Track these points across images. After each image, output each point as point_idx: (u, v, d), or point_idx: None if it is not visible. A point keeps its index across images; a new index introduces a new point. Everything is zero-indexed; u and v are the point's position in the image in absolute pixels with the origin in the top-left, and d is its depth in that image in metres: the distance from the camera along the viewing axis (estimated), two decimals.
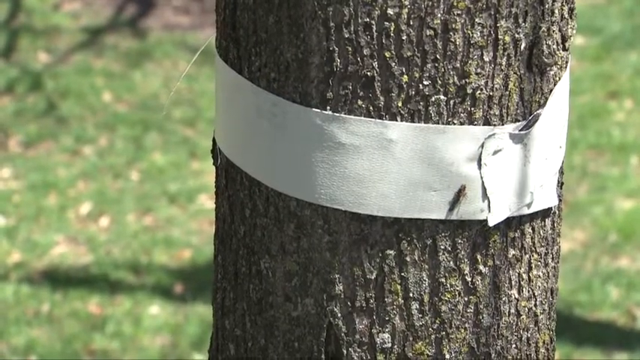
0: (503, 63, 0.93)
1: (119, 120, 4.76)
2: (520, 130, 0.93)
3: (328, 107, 0.92)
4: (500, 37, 0.92)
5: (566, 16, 0.96)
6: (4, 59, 5.27)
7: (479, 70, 0.92)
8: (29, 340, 3.57)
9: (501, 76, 0.93)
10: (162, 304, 3.68)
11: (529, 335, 0.99)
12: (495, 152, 0.93)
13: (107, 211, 4.19)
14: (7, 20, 5.59)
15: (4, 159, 4.53)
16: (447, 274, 0.95)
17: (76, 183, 4.36)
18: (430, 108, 0.92)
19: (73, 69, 5.16)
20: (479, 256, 0.95)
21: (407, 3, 0.90)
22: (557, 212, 1.00)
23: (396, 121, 0.91)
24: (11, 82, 5.10)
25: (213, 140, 1.01)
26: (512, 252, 0.96)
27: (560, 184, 0.99)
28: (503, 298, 0.97)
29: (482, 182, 0.93)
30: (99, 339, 3.58)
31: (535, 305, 0.99)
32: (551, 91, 0.95)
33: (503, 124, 0.93)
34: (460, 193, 0.93)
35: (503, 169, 0.93)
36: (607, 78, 4.89)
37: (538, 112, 0.94)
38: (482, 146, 0.92)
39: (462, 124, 0.92)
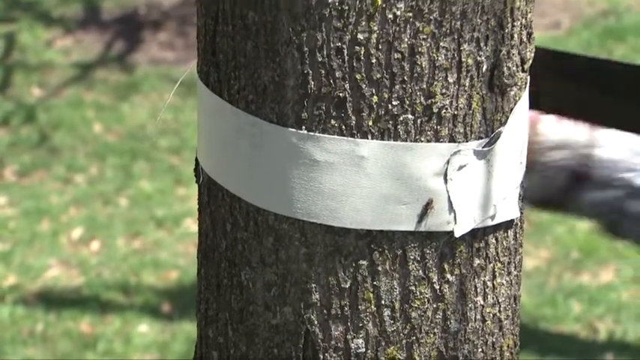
0: (467, 84, 0.93)
1: (109, 150, 4.76)
2: (483, 147, 0.94)
3: (303, 127, 0.92)
4: (463, 59, 0.92)
5: (525, 40, 0.96)
6: (1, 94, 5.26)
7: (444, 91, 0.92)
8: (24, 358, 3.55)
9: (465, 96, 0.93)
10: (150, 323, 3.67)
11: (494, 340, 0.99)
12: (460, 168, 0.93)
13: (98, 236, 4.18)
14: (2, 57, 5.59)
15: (1, 188, 4.52)
16: (416, 283, 0.95)
17: (68, 209, 4.35)
18: (399, 126, 0.92)
19: (64, 102, 5.15)
20: (446, 266, 0.95)
21: (376, 28, 0.90)
22: (519, 224, 1.00)
23: (367, 139, 0.91)
24: (6, 115, 5.09)
25: (196, 160, 1.02)
26: (477, 261, 0.96)
27: (522, 198, 1.00)
28: (470, 305, 0.97)
29: (449, 196, 0.93)
30: (91, 357, 3.57)
31: (499, 311, 0.99)
32: (511, 110, 0.96)
33: (467, 141, 0.93)
34: (428, 206, 0.93)
35: (468, 183, 0.94)
36: None
37: (500, 129, 0.95)
38: (448, 162, 0.92)
39: (428, 141, 0.92)
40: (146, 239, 4.13)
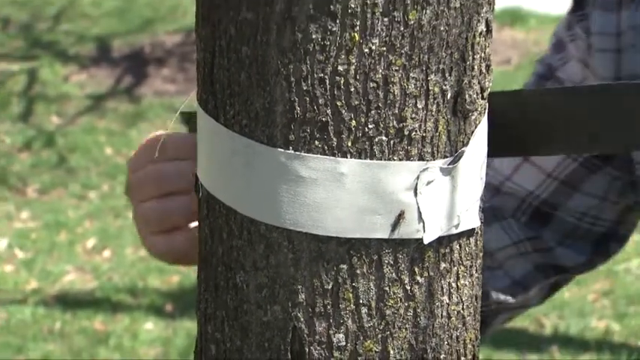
0: (434, 109, 0.92)
1: (118, 170, 4.76)
2: (448, 165, 0.93)
3: (290, 147, 0.91)
4: (430, 88, 0.92)
5: (484, 71, 0.96)
6: (23, 122, 5.26)
7: (413, 116, 0.92)
8: (44, 353, 3.54)
9: (432, 120, 0.93)
10: (155, 321, 3.66)
11: (458, 334, 0.99)
12: (428, 183, 0.92)
13: (109, 245, 4.17)
14: (25, 90, 5.58)
15: (23, 203, 4.51)
16: (390, 284, 0.94)
17: (83, 222, 4.34)
18: (374, 147, 0.91)
19: (80, 129, 5.15)
20: (416, 269, 0.94)
21: (354, 61, 0.90)
22: (479, 232, 0.99)
23: (347, 158, 0.91)
24: (29, 140, 5.09)
25: (196, 177, 1.01)
26: (443, 265, 0.95)
27: (481, 209, 0.99)
28: (437, 303, 0.96)
29: (418, 208, 0.92)
30: (103, 351, 3.56)
31: (463, 309, 0.98)
32: (472, 132, 0.95)
33: (434, 160, 0.93)
34: (400, 217, 0.92)
35: (435, 196, 0.93)
36: None
37: (462, 149, 0.94)
38: (417, 178, 0.92)
39: (400, 159, 0.92)
40: None
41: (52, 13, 6.56)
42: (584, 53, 1.34)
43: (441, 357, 0.97)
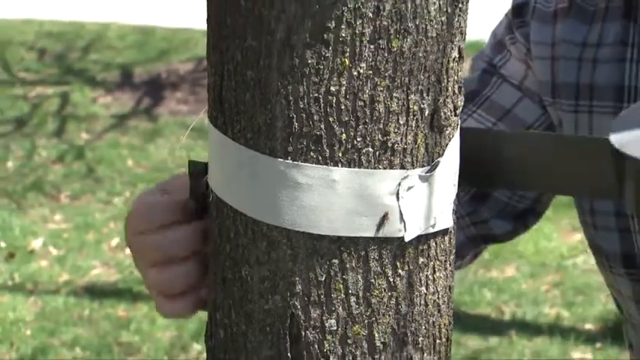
0: (413, 125, 0.91)
1: (138, 179, 4.75)
2: (426, 173, 0.92)
3: (289, 157, 0.90)
4: (410, 106, 0.91)
5: (457, 92, 0.95)
6: (57, 138, 5.25)
7: (396, 130, 0.91)
8: (74, 336, 3.52)
9: (412, 134, 0.92)
10: None
11: (434, 320, 0.97)
12: (409, 188, 0.91)
13: None
14: (58, 110, 5.58)
15: (57, 208, 4.50)
16: (375, 276, 0.93)
17: (108, 224, 4.33)
18: (362, 157, 0.90)
19: (105, 144, 5.14)
20: (398, 263, 0.93)
21: (344, 83, 0.89)
22: (452, 231, 0.98)
23: (338, 166, 0.90)
24: (61, 153, 5.08)
25: (206, 183, 1.00)
26: (421, 260, 0.94)
27: (454, 212, 0.98)
28: (416, 293, 0.95)
29: (400, 210, 0.91)
30: (125, 335, 3.55)
31: (438, 298, 0.97)
32: (447, 144, 0.94)
33: (414, 169, 0.92)
34: (384, 218, 0.91)
35: (414, 200, 0.92)
36: None
37: (438, 159, 0.93)
38: (399, 184, 0.91)
39: (384, 168, 0.91)
40: None
41: (82, 44, 6.56)
42: (524, 55, 1.32)
43: (419, 340, 0.96)
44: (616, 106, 1.27)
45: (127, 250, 4.08)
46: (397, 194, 0.91)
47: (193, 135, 5.06)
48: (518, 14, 1.30)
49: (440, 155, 0.93)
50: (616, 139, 0.94)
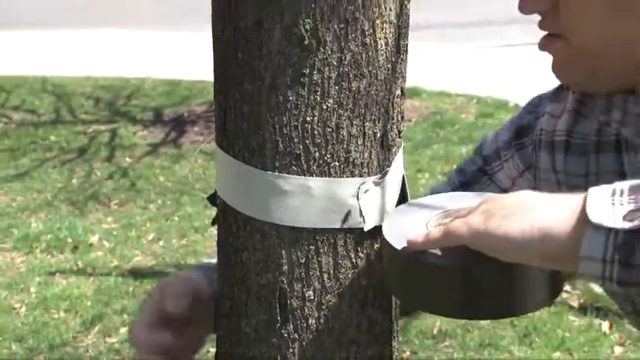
0: (368, 145, 0.89)
1: (168, 190, 4.71)
2: (378, 179, 0.90)
3: (276, 170, 0.87)
4: (366, 131, 0.88)
5: (400, 120, 0.93)
6: (108, 162, 5.20)
7: (355, 149, 0.88)
8: (122, 306, 3.48)
9: (367, 152, 0.89)
10: None
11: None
12: (366, 191, 0.89)
13: (162, 238, 4.12)
14: (109, 142, 5.53)
15: (108, 213, 4.45)
16: (342, 258, 0.90)
17: (145, 224, 4.28)
18: (331, 169, 0.88)
19: (143, 165, 5.10)
20: (359, 248, 0.90)
21: (316, 114, 0.86)
22: None
23: (313, 177, 0.87)
24: (111, 173, 5.03)
25: (215, 191, 0.97)
26: (376, 245, 0.92)
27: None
28: (372, 270, 0.92)
29: (360, 208, 0.89)
30: None
31: None
32: (393, 159, 0.92)
33: (369, 177, 0.89)
34: (348, 214, 0.89)
35: (370, 200, 0.89)
36: (415, 162, 4.88)
37: (387, 170, 0.91)
38: (358, 189, 0.88)
39: (348, 177, 0.88)
40: (189, 239, 4.09)
41: (126, 93, 6.51)
42: (514, 173, 1.08)
43: (376, 303, 0.93)
44: None
45: (160, 243, 4.02)
46: (357, 196, 0.88)
47: (207, 158, 5.04)
48: (518, 136, 1.07)
49: (388, 166, 0.91)
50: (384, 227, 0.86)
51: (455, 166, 1.25)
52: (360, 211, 0.88)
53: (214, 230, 1.03)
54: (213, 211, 0.98)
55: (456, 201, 0.88)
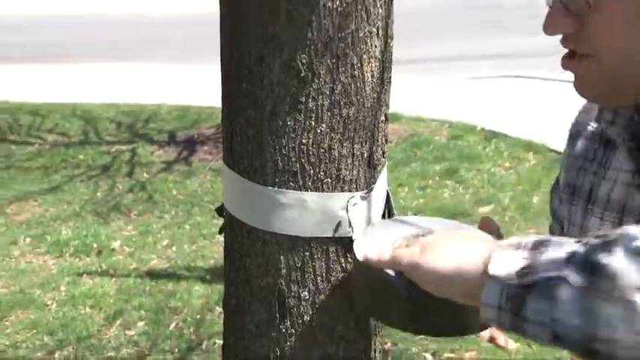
0: (357, 164, 0.88)
1: (180, 202, 4.68)
2: (365, 194, 0.89)
3: (276, 186, 0.86)
4: (355, 152, 0.88)
5: (384, 142, 0.92)
6: (129, 177, 5.18)
7: (346, 167, 0.87)
8: (140, 303, 3.44)
9: (356, 170, 0.88)
10: (201, 285, 3.57)
11: None
12: (354, 205, 0.88)
13: (175, 243, 4.09)
14: (130, 159, 5.50)
15: (128, 221, 4.41)
16: (333, 263, 0.89)
17: (160, 231, 4.25)
18: (324, 185, 0.87)
19: (159, 180, 5.07)
20: (348, 254, 0.89)
21: (311, 137, 0.85)
22: None
23: (308, 192, 0.86)
24: (131, 187, 5.00)
25: (222, 204, 0.96)
26: None
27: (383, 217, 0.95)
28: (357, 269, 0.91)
29: (349, 219, 0.88)
30: (172, 301, 3.46)
31: None
32: (378, 176, 0.91)
33: (357, 192, 0.88)
34: (338, 225, 0.88)
35: (358, 212, 0.88)
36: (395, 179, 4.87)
37: (373, 186, 0.90)
38: (348, 202, 0.87)
39: (338, 192, 0.87)
40: (199, 245, 4.06)
41: (144, 118, 6.50)
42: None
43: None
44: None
45: (173, 248, 4.00)
46: (347, 209, 0.87)
47: (215, 174, 5.02)
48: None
49: (374, 183, 0.90)
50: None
51: None
52: (349, 222, 0.87)
53: (221, 238, 1.02)
54: (220, 221, 0.97)
55: (433, 224, 0.85)
